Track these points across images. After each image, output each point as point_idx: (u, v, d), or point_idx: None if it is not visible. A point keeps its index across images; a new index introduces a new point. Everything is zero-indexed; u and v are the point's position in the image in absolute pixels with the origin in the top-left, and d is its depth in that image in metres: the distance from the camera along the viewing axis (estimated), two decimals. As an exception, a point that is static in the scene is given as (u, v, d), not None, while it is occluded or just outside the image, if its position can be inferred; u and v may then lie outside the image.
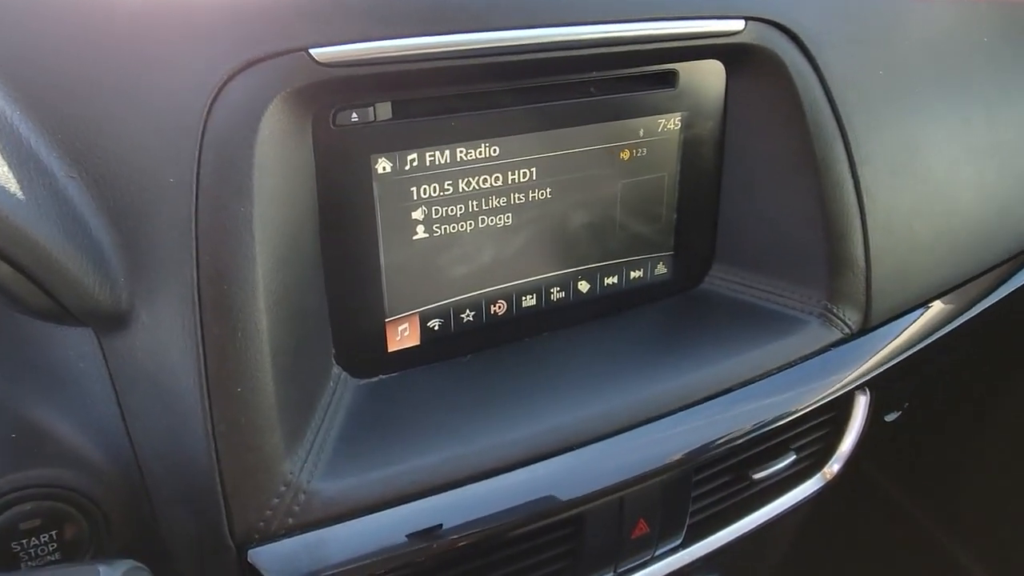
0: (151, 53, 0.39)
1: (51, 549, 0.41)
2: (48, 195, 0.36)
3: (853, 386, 0.60)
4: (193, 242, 0.39)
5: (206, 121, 0.39)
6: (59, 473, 0.41)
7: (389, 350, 0.53)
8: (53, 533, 0.41)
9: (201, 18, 0.40)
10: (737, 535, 0.61)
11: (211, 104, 0.39)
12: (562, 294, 0.59)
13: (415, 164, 0.49)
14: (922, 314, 0.65)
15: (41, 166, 0.38)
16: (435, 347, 0.55)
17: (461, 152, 0.51)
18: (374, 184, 0.48)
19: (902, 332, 0.63)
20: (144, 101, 0.39)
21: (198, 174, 0.39)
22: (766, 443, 0.59)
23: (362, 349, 0.52)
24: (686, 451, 0.53)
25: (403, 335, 0.54)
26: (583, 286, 0.60)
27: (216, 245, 0.39)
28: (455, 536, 0.46)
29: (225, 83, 0.40)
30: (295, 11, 0.41)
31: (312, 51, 0.41)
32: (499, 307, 0.57)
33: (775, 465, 0.59)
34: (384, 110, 0.47)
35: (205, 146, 0.39)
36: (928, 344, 0.65)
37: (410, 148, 0.49)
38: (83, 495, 0.41)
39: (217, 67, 0.40)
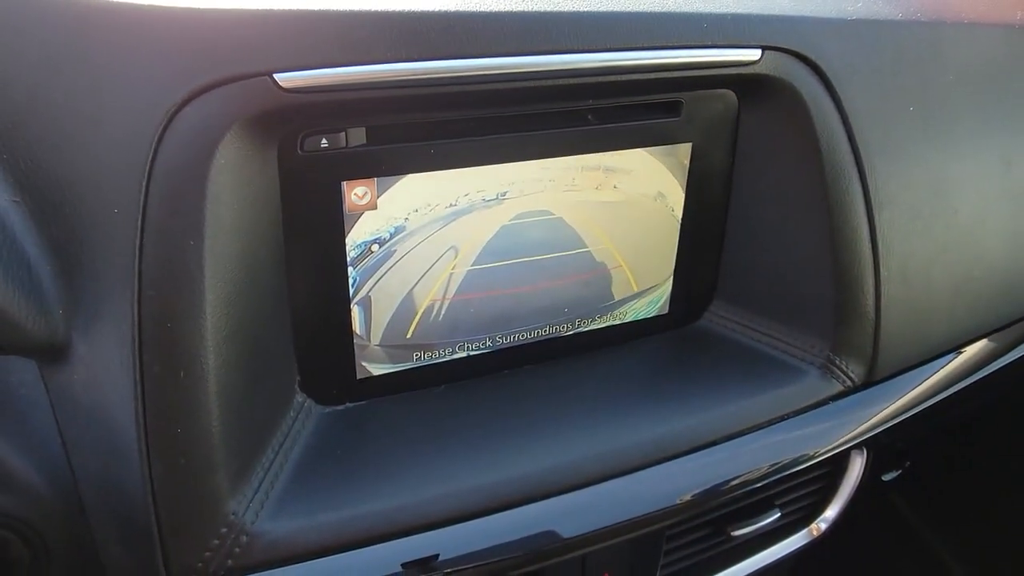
0: (101, 71, 0.37)
1: (-12, 573, 0.41)
2: (-19, 224, 0.35)
3: (850, 445, 0.57)
4: (135, 277, 0.37)
5: (156, 148, 0.37)
6: (-1, 498, 0.40)
7: (358, 378, 0.51)
8: (-10, 557, 0.41)
9: (157, 36, 0.37)
10: (712, 588, 0.58)
11: (163, 130, 0.37)
12: (547, 326, 0.56)
13: (390, 191, 0.47)
14: (932, 370, 0.61)
15: (-19, 190, 0.36)
16: (407, 376, 0.53)
17: (441, 180, 0.48)
18: (344, 212, 0.46)
19: (909, 389, 0.59)
20: (92, 123, 0.37)
21: (145, 205, 0.37)
22: (749, 499, 0.56)
23: (328, 376, 0.50)
24: (659, 508, 0.50)
25: (374, 363, 0.52)
26: (570, 318, 0.57)
27: (161, 281, 0.37)
28: (403, 587, 0.44)
29: (180, 108, 0.37)
30: (259, 32, 0.38)
31: (276, 76, 0.39)
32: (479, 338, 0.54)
33: (757, 522, 0.56)
34: (357, 136, 0.44)
35: (154, 175, 0.37)
36: (936, 402, 0.61)
37: (385, 175, 0.46)
38: (23, 521, 0.41)
39: (171, 90, 0.37)
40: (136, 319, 0.37)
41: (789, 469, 0.55)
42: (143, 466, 0.38)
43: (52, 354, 0.38)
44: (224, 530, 0.41)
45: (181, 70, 0.37)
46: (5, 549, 0.41)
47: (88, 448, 0.39)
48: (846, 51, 0.53)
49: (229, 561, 0.41)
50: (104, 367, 0.38)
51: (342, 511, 0.44)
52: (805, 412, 0.56)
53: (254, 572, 0.42)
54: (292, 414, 0.48)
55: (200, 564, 0.41)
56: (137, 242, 0.37)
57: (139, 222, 0.37)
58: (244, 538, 0.41)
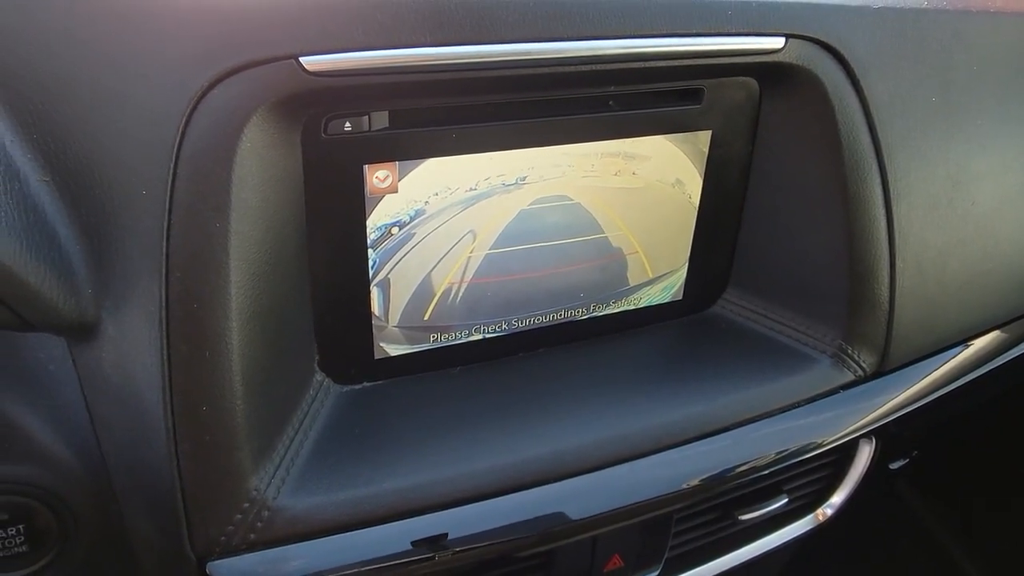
0: (129, 55, 0.37)
1: (18, 542, 0.42)
2: (14, 204, 0.35)
3: (859, 434, 0.58)
4: (163, 259, 0.38)
5: (183, 131, 0.37)
6: (28, 470, 0.41)
7: (376, 358, 0.52)
8: (21, 527, 0.42)
9: (184, 20, 0.37)
10: (719, 570, 0.59)
11: (190, 113, 0.37)
12: (563, 310, 0.57)
13: (412, 174, 0.47)
14: (943, 360, 0.61)
15: (13, 170, 0.36)
16: (424, 357, 0.54)
17: (463, 164, 0.48)
18: (366, 195, 0.46)
19: (919, 379, 0.60)
20: (120, 106, 0.37)
21: (172, 187, 0.37)
22: (757, 484, 0.57)
23: (347, 356, 0.51)
24: (669, 493, 0.51)
25: (391, 344, 0.52)
26: (586, 302, 0.57)
27: (187, 262, 0.38)
28: (418, 562, 0.46)
29: (206, 91, 0.38)
30: (284, 16, 0.38)
31: (302, 59, 0.39)
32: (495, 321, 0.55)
33: (765, 507, 0.57)
34: (380, 119, 0.45)
35: (181, 158, 0.37)
36: (945, 393, 0.61)
37: (407, 159, 0.46)
38: (52, 493, 0.42)
39: (198, 74, 0.37)
40: (163, 299, 0.38)
41: (798, 456, 0.56)
42: (169, 443, 0.39)
43: (81, 333, 0.39)
44: (247, 505, 0.42)
45: (208, 53, 0.38)
46: (34, 518, 0.42)
47: (116, 424, 0.40)
48: (870, 40, 0.53)
49: (251, 535, 0.43)
50: (132, 346, 0.38)
51: (359, 489, 0.45)
52: (815, 400, 0.57)
53: (275, 546, 0.43)
54: (311, 393, 0.49)
55: (223, 537, 0.42)
56: (164, 224, 0.38)
57: (166, 204, 0.37)
58: (266, 513, 0.43)
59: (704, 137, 0.54)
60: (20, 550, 0.42)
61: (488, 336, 0.55)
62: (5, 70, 0.37)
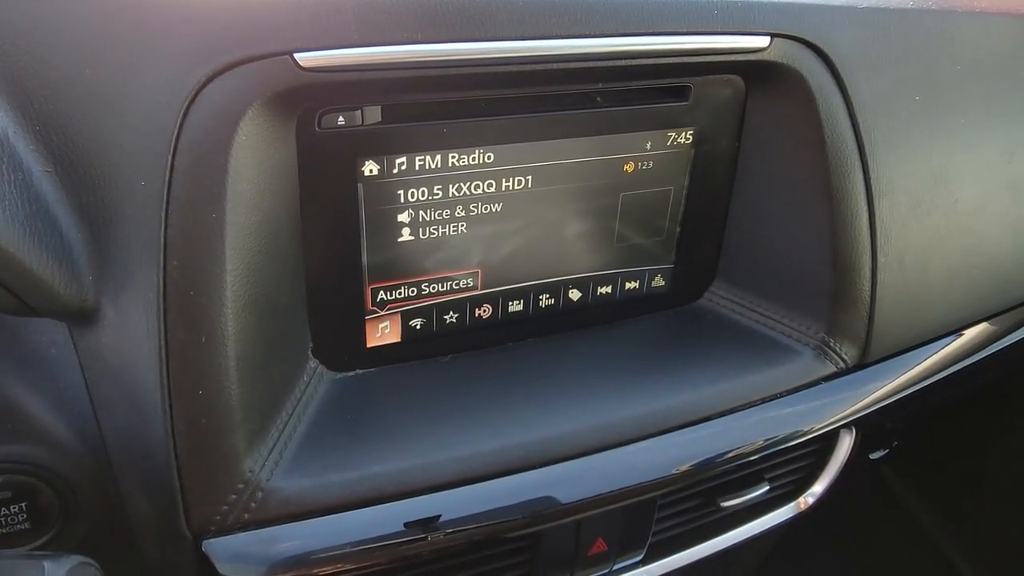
0: (129, 50, 0.39)
1: (21, 519, 0.44)
2: (17, 194, 0.37)
3: (839, 425, 0.59)
4: (161, 248, 0.39)
5: (181, 124, 0.39)
6: (31, 450, 0.43)
7: (368, 346, 0.54)
8: (23, 504, 0.43)
9: (182, 17, 0.39)
10: (702, 555, 0.61)
11: (187, 107, 0.39)
12: (551, 301, 0.58)
13: (403, 168, 0.48)
14: (924, 355, 0.63)
15: (16, 160, 0.38)
16: (416, 345, 0.55)
17: (453, 158, 0.49)
18: (359, 187, 0.48)
19: (899, 372, 0.61)
20: (120, 99, 0.39)
21: (170, 179, 0.39)
22: (739, 472, 0.59)
23: (340, 344, 0.53)
24: (652, 479, 0.53)
25: (383, 332, 0.54)
26: (574, 294, 0.59)
27: (184, 251, 0.39)
28: (406, 544, 0.47)
29: (204, 85, 0.39)
30: (279, 13, 0.39)
31: (297, 55, 0.40)
32: (484, 310, 0.56)
33: (747, 495, 0.59)
34: (373, 114, 0.46)
35: (179, 150, 0.39)
36: (925, 386, 0.63)
37: (399, 153, 0.48)
38: (53, 472, 0.43)
39: (196, 68, 0.39)
40: (161, 287, 0.39)
41: (780, 445, 0.57)
42: (166, 425, 0.41)
43: (82, 318, 0.40)
44: (241, 486, 0.44)
45: (205, 49, 0.39)
46: (36, 497, 0.43)
47: (115, 407, 0.42)
48: (855, 40, 0.54)
49: (245, 515, 0.44)
50: (131, 332, 0.40)
51: (351, 472, 0.46)
52: (798, 391, 0.58)
53: (268, 526, 0.45)
54: (305, 379, 0.51)
55: (218, 517, 0.44)
56: (162, 213, 0.39)
57: (164, 194, 0.39)
58: (259, 494, 0.44)
59: (692, 133, 0.56)
60: (23, 527, 0.44)
61: (478, 324, 0.56)
62: (8, 64, 0.38)
